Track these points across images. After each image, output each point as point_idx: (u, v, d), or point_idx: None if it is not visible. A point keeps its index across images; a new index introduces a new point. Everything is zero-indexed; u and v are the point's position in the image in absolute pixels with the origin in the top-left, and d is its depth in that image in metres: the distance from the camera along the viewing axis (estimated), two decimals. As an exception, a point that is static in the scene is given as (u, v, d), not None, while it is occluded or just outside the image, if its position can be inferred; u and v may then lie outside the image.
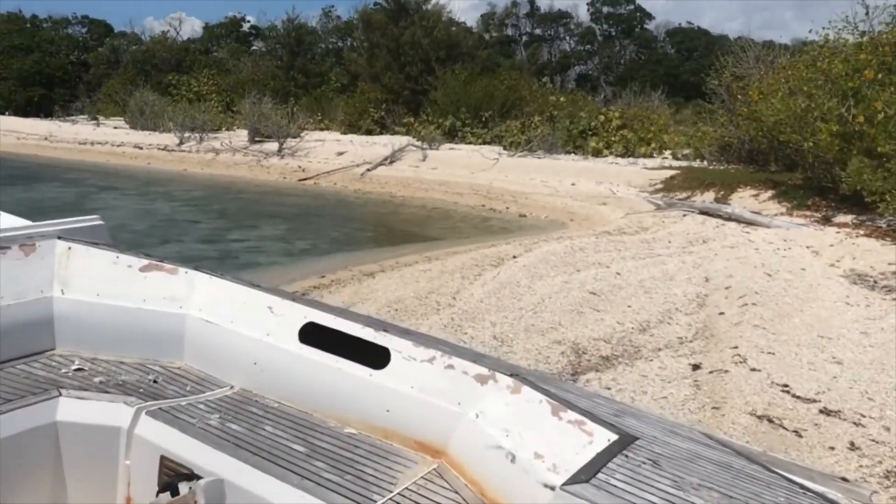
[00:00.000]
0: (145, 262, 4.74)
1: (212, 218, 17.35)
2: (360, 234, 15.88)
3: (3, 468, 3.73)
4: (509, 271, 10.24)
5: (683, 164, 22.00)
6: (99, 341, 4.73)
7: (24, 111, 46.87)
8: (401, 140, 27.04)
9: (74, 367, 4.43)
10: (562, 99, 32.09)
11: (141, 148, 29.89)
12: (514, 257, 11.43)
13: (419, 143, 26.32)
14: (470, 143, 28.53)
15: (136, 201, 19.68)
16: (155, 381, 4.34)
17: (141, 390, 4.23)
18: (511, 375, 3.36)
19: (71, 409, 3.99)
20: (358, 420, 3.79)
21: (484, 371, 3.46)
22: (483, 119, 29.92)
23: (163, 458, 3.69)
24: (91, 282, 4.75)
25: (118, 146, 30.60)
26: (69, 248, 4.77)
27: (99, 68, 49.95)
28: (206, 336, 4.58)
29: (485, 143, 28.32)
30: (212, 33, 54.25)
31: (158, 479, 3.66)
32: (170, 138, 30.59)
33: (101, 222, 5.08)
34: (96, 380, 4.29)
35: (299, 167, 25.37)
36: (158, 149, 29.54)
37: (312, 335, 4.14)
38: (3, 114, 45.68)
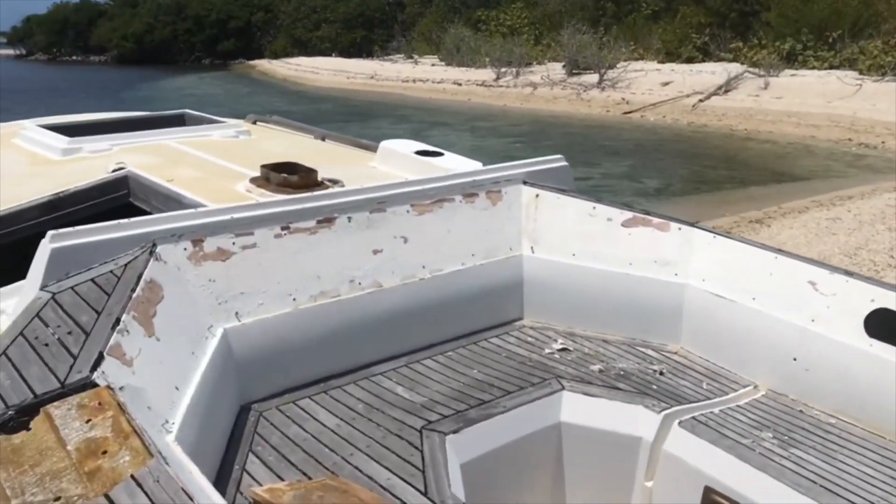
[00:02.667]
0: (629, 214, 3.81)
1: (545, 154, 16.63)
2: (712, 172, 14.29)
3: (506, 472, 3.04)
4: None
5: None
6: (573, 313, 3.92)
7: (347, 52, 50.11)
8: (735, 67, 24.45)
9: (558, 346, 3.65)
10: (929, 12, 27.11)
11: (460, 84, 30.25)
12: (942, 204, 9.30)
13: (756, 70, 23.61)
14: (813, 67, 25.11)
15: (467, 137, 19.65)
16: (661, 374, 3.44)
17: (654, 387, 3.33)
18: None
19: (578, 408, 3.17)
20: None
21: None
22: (829, 40, 26.15)
23: (708, 490, 2.76)
24: (565, 238, 3.94)
25: (438, 83, 31.27)
26: (536, 195, 3.99)
27: (413, 7, 51.71)
28: (714, 315, 3.55)
29: (831, 67, 24.75)
30: (519, -35, 53.81)
31: None
32: (486, 74, 30.62)
33: (566, 163, 4.26)
34: (594, 367, 3.46)
35: (622, 99, 23.99)
36: (476, 84, 29.69)
37: (887, 327, 2.96)
38: (329, 55, 49.23)
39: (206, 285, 2.86)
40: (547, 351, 3.46)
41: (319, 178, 3.84)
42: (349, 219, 3.25)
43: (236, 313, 2.91)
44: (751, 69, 23.91)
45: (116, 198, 3.90)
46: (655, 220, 3.66)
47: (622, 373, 3.28)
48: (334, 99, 29.93)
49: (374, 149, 5.08)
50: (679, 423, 2.86)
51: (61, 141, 4.57)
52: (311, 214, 3.16)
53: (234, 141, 5.02)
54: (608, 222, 3.70)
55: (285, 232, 3.07)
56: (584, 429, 3.01)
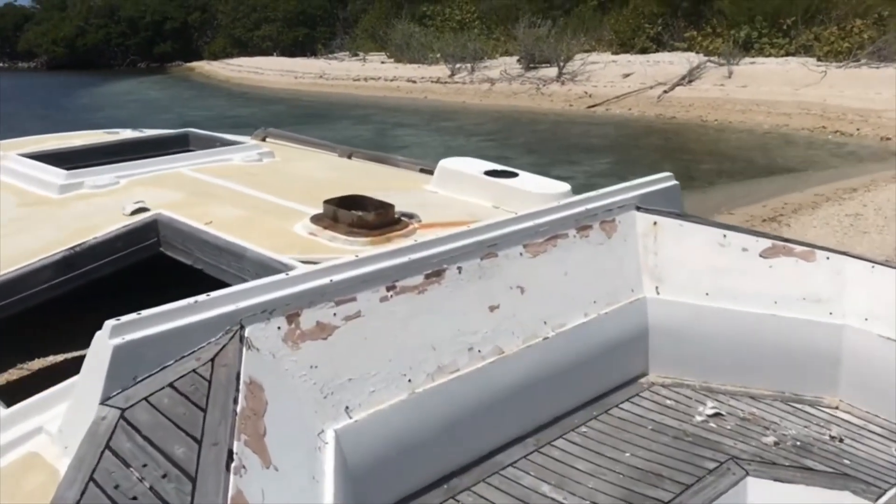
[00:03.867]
0: (767, 242, 3.23)
1: (521, 153, 16.15)
2: (699, 166, 13.93)
3: None
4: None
5: None
6: (710, 365, 3.29)
7: (289, 51, 48.79)
8: (695, 57, 24.26)
9: (709, 411, 3.05)
10: (876, -3, 27.38)
11: (414, 81, 29.53)
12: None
13: (717, 59, 23.46)
14: (770, 55, 25.10)
15: (434, 137, 19.00)
16: (840, 441, 2.87)
17: (845, 461, 2.73)
18: None
19: (771, 500, 2.61)
20: None
21: None
22: (784, 27, 26.21)
23: None
24: (694, 275, 3.34)
25: (391, 80, 30.48)
26: (654, 223, 3.40)
27: (355, 4, 50.67)
28: (883, 362, 2.98)
29: (788, 54, 24.78)
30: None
31: None
32: (440, 70, 29.97)
33: (675, 182, 3.67)
34: (766, 440, 2.87)
35: (585, 93, 23.61)
36: (431, 81, 29.01)
37: None
38: (270, 54, 47.93)
39: (307, 374, 2.20)
40: (698, 419, 2.87)
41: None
42: (459, 269, 2.63)
43: (346, 408, 2.25)
44: (711, 58, 23.75)
45: (145, 248, 3.18)
46: (798, 248, 3.10)
47: (798, 443, 2.71)
48: (285, 100, 28.90)
49: (418, 167, 4.44)
50: None
51: (57, 175, 3.80)
52: (417, 268, 2.52)
53: (259, 165, 4.30)
54: (743, 253, 3.14)
55: (391, 293, 2.43)
56: None
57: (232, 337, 2.05)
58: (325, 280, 2.30)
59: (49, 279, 2.91)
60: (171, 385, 1.89)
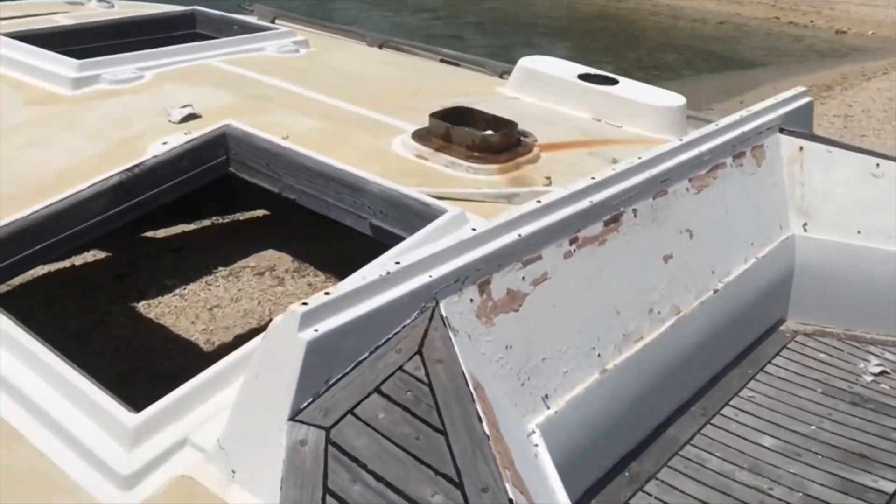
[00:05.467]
0: None
1: (474, 33, 15.40)
2: (661, 55, 13.55)
3: None
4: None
5: None
6: (856, 311, 3.02)
7: None
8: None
9: (874, 368, 2.79)
10: None
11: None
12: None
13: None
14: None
15: (376, 12, 17.81)
16: None
17: None
18: None
19: None
20: None
21: None
22: None
23: None
24: (845, 210, 3.01)
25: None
26: (800, 148, 3.03)
27: None
28: None
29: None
30: None
31: None
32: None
33: (810, 99, 3.27)
34: None
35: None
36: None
37: None
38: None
39: (504, 357, 1.80)
40: (867, 378, 2.60)
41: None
42: (634, 212, 2.22)
43: (545, 397, 1.86)
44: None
45: (212, 168, 2.62)
46: None
47: None
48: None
49: (482, 65, 3.92)
50: None
51: (68, 65, 3.11)
52: (597, 214, 2.10)
53: (298, 57, 3.68)
54: None
55: (574, 247, 2.01)
56: None
57: (431, 318, 1.60)
58: (514, 235, 1.85)
59: (103, 210, 2.34)
60: (378, 390, 1.46)
